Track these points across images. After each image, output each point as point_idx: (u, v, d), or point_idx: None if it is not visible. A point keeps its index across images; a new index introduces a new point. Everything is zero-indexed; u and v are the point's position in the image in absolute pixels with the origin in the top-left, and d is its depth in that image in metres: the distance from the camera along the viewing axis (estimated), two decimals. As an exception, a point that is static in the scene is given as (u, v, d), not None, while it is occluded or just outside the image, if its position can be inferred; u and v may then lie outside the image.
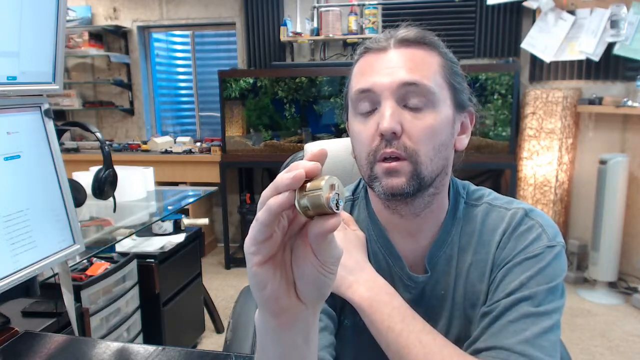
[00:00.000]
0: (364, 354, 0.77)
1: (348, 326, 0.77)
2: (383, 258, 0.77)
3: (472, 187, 0.80)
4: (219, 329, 2.73)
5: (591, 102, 3.25)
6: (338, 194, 0.38)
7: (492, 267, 0.72)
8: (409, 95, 0.67)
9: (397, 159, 0.66)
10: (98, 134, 1.26)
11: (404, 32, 0.70)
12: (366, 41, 0.73)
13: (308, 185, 0.39)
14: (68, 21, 3.86)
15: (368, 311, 0.69)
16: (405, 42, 0.69)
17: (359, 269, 0.72)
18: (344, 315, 0.77)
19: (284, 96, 3.52)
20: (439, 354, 0.64)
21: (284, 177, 0.39)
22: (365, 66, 0.71)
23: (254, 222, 0.41)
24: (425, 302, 0.76)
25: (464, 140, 0.75)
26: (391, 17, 3.58)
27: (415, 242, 0.76)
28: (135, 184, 2.26)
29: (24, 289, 0.95)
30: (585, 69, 3.33)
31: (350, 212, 0.82)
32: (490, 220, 0.75)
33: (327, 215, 0.39)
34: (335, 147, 1.10)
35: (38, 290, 1.00)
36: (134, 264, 1.99)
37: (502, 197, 0.77)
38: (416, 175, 0.67)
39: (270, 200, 0.39)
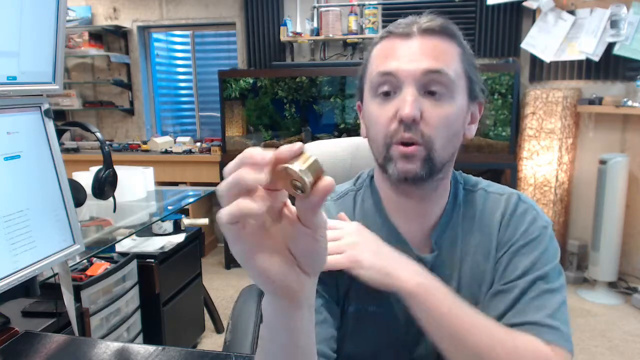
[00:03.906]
0: (365, 341, 0.78)
1: (351, 313, 0.78)
2: (388, 243, 0.78)
3: (465, 175, 0.84)
4: (219, 329, 2.73)
5: (591, 102, 3.24)
6: None
7: (496, 247, 0.76)
8: (431, 83, 0.69)
9: (413, 143, 0.69)
10: (98, 134, 1.26)
11: (428, 20, 0.72)
12: (389, 25, 0.75)
13: (294, 164, 0.39)
14: (68, 21, 3.86)
15: (423, 297, 0.68)
16: (429, 31, 0.71)
17: (394, 256, 0.72)
18: (347, 302, 0.78)
19: (284, 96, 3.52)
20: (494, 335, 0.66)
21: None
22: (389, 50, 0.72)
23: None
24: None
25: (472, 130, 0.78)
26: (391, 17, 3.58)
27: (420, 225, 0.78)
28: (135, 184, 2.25)
29: (24, 289, 0.95)
30: (585, 69, 3.33)
31: (354, 202, 0.83)
32: (488, 204, 0.80)
33: (321, 178, 0.40)
34: (335, 147, 1.10)
35: (38, 290, 1.00)
36: (134, 264, 1.99)
37: (494, 184, 0.83)
38: (429, 160, 0.70)
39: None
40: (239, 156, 0.40)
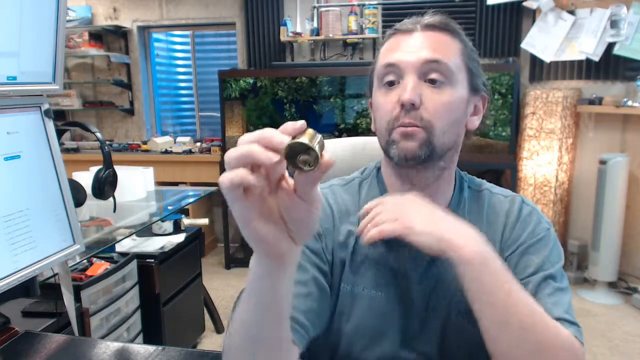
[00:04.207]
0: (363, 320, 0.78)
1: (347, 291, 0.79)
2: None
3: (470, 175, 0.88)
4: (219, 329, 2.73)
5: (591, 102, 3.24)
6: None
7: (501, 246, 0.79)
8: (431, 72, 0.74)
9: (414, 126, 0.73)
10: (98, 134, 1.26)
11: (430, 17, 0.78)
12: (395, 24, 0.81)
13: (304, 139, 0.41)
14: (68, 21, 3.86)
15: (476, 266, 0.67)
16: (430, 27, 0.77)
17: (449, 222, 0.71)
18: (342, 280, 0.79)
19: (284, 96, 3.52)
20: (540, 316, 0.67)
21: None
22: (393, 45, 0.78)
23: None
24: (436, 273, 0.78)
25: (475, 121, 0.81)
26: (391, 17, 3.58)
27: None
28: (135, 184, 2.25)
29: (24, 289, 0.95)
30: (585, 69, 3.33)
31: (359, 188, 0.86)
32: (492, 204, 0.83)
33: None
34: (335, 147, 1.10)
35: (38, 290, 1.00)
36: (134, 264, 1.99)
37: (496, 186, 0.86)
38: (429, 142, 0.74)
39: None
40: (259, 132, 0.42)
